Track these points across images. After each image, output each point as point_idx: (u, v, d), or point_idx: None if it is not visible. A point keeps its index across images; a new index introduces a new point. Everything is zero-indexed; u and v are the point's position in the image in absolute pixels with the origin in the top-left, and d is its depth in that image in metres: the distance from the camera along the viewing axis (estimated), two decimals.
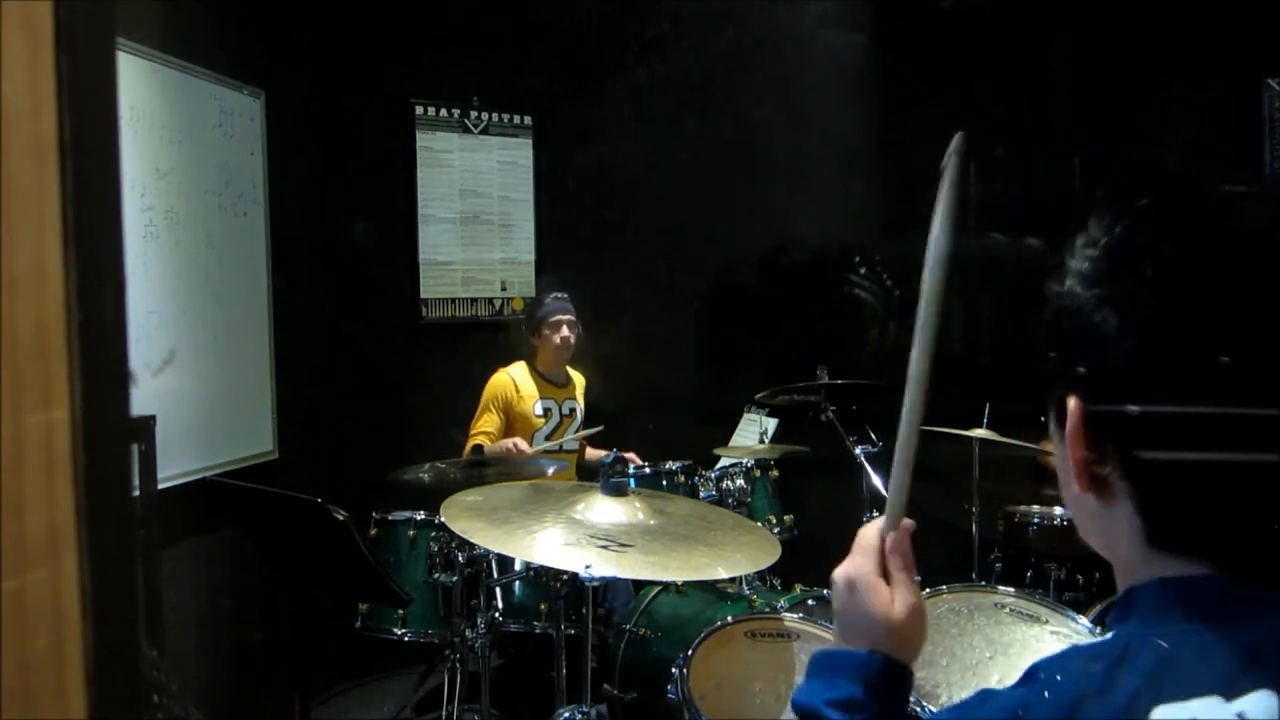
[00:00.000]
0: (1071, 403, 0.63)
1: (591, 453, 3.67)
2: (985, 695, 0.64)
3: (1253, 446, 0.55)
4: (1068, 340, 0.62)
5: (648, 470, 3.16)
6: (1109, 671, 0.57)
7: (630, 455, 3.47)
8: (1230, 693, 0.53)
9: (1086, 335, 0.60)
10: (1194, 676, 0.54)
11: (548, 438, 3.46)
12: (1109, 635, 0.60)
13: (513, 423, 3.39)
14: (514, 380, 3.42)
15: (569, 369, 3.61)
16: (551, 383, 3.50)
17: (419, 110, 3.93)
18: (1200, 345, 0.56)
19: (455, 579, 2.69)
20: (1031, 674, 0.62)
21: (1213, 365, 0.55)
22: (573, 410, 3.54)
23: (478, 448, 2.98)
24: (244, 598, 3.16)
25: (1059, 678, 0.60)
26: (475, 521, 2.09)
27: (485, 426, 3.34)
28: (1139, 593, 0.61)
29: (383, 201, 3.93)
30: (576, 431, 3.55)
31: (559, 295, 3.51)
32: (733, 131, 4.25)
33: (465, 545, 2.63)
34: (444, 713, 2.80)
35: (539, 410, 3.43)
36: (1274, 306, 0.55)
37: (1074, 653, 0.61)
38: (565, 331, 3.44)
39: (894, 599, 0.81)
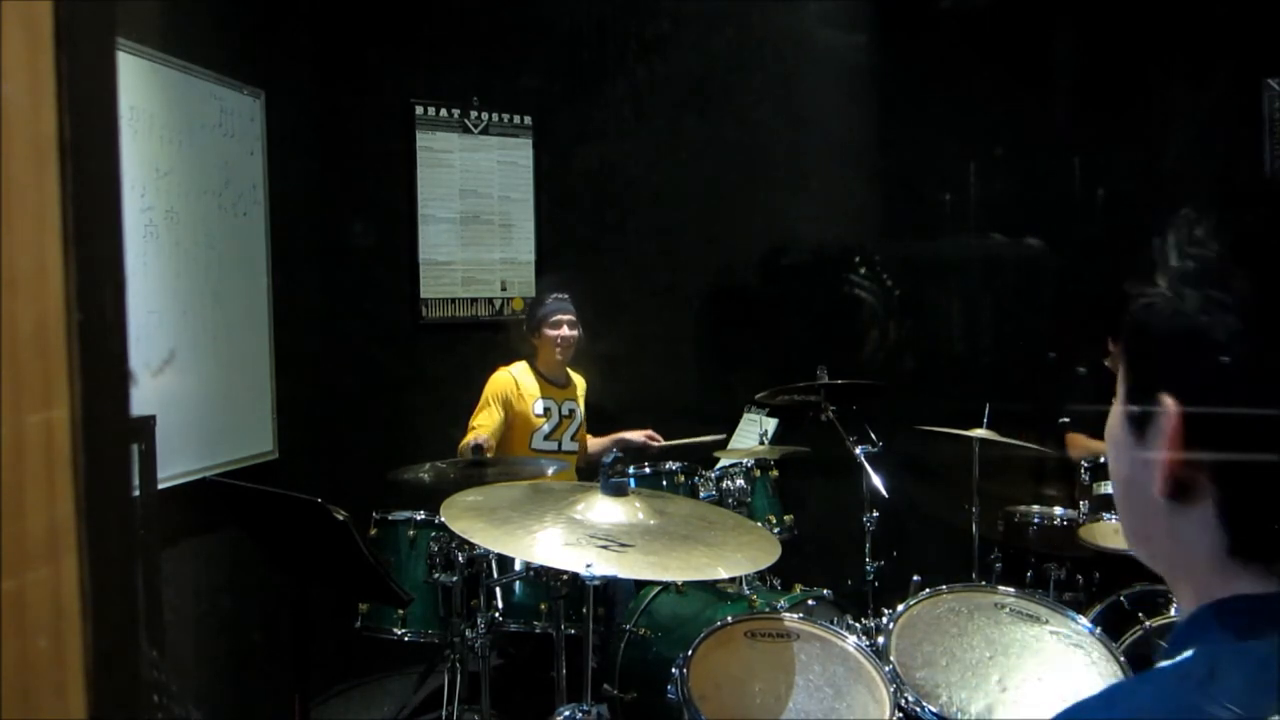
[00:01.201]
0: (1169, 404, 0.61)
1: (593, 442, 3.67)
2: None
3: None
4: (1165, 340, 0.61)
5: (648, 470, 3.17)
6: (1202, 690, 0.55)
7: (646, 435, 3.49)
8: None
9: (1190, 336, 0.59)
10: None
11: (547, 438, 3.46)
12: (1189, 653, 0.58)
13: (513, 421, 3.38)
14: (515, 379, 3.42)
15: (569, 371, 3.61)
16: (552, 383, 3.50)
17: (419, 110, 3.93)
18: None
19: (455, 579, 2.69)
20: (1109, 700, 0.61)
21: None
22: (572, 411, 3.54)
23: (477, 447, 2.97)
24: (244, 598, 3.16)
25: (1143, 697, 0.58)
26: (475, 521, 2.09)
27: (484, 421, 3.34)
28: (1218, 608, 0.60)
29: (383, 201, 3.93)
30: (575, 434, 3.55)
31: (559, 295, 3.50)
32: (733, 131, 4.26)
33: (465, 545, 2.63)
34: (444, 713, 2.80)
35: (539, 410, 3.43)
36: None
37: (1156, 675, 0.59)
38: (565, 331, 3.44)
39: None
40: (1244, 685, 0.54)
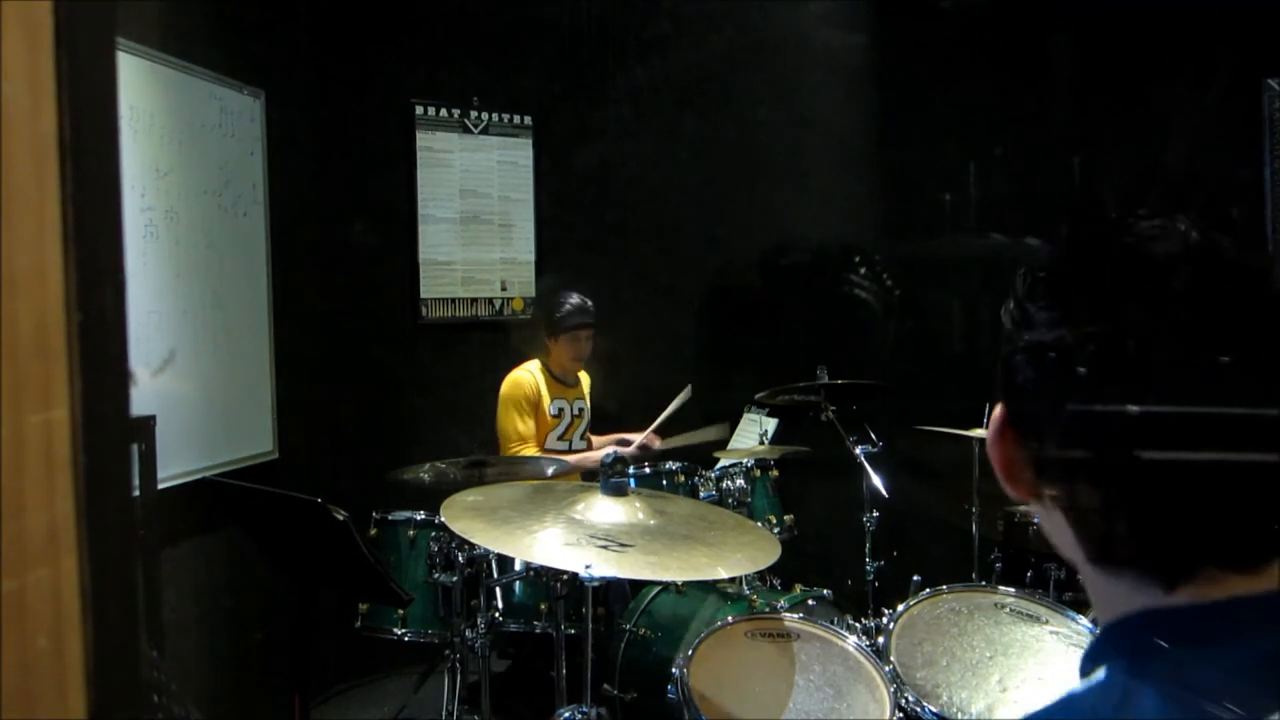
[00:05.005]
0: (998, 408, 0.65)
1: (596, 441, 3.66)
2: None
3: (1155, 455, 0.55)
4: (1003, 345, 0.65)
5: (648, 470, 3.16)
6: (1118, 714, 0.55)
7: (640, 437, 3.47)
8: (1253, 712, 0.52)
9: (1007, 342, 0.64)
10: (1210, 701, 0.53)
11: (560, 438, 3.46)
12: (1101, 674, 0.59)
13: (535, 423, 3.39)
14: (535, 379, 3.40)
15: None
16: (563, 383, 3.50)
17: (419, 110, 3.93)
18: (1095, 355, 0.58)
19: (455, 579, 2.69)
20: None
21: (1107, 373, 0.57)
22: (582, 410, 3.54)
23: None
24: (244, 598, 3.16)
25: None
26: (475, 521, 2.09)
27: (527, 431, 3.32)
28: (1125, 624, 0.60)
29: (383, 201, 3.93)
30: (584, 433, 3.55)
31: (585, 304, 3.43)
32: (733, 131, 4.25)
33: (465, 545, 2.63)
34: (444, 713, 2.79)
35: (554, 411, 3.43)
36: (1165, 328, 0.56)
37: (1071, 701, 0.59)
38: (584, 344, 3.43)
39: None
40: (1158, 708, 0.54)
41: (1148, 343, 0.56)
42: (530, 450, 3.31)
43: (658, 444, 3.49)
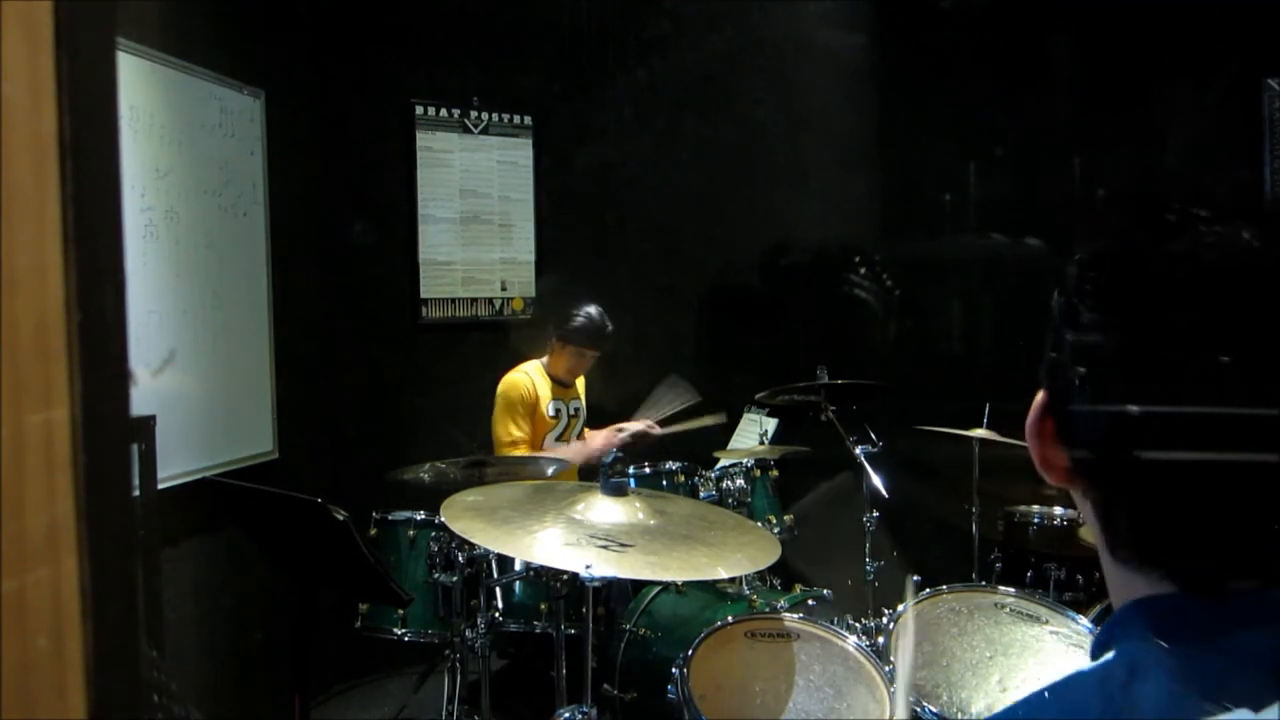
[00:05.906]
0: (1039, 396, 0.65)
1: (589, 434, 3.64)
2: None
3: (1197, 453, 0.56)
4: (1048, 338, 0.65)
5: (648, 470, 3.16)
6: (1124, 693, 0.56)
7: (644, 424, 3.45)
8: (1256, 705, 0.53)
9: (1054, 335, 0.64)
10: (1217, 690, 0.54)
11: (558, 438, 3.45)
12: (1110, 655, 0.60)
13: (532, 424, 3.38)
14: (533, 381, 3.39)
15: None
16: (560, 384, 3.49)
17: (419, 110, 3.93)
18: (1137, 351, 0.58)
19: (455, 579, 2.69)
20: (1036, 705, 0.62)
21: (1147, 371, 0.57)
22: (578, 411, 3.54)
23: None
24: (244, 598, 3.16)
25: (1068, 700, 0.59)
26: (475, 521, 2.09)
27: (520, 434, 3.32)
28: (1137, 608, 0.61)
29: (383, 201, 3.93)
30: (580, 432, 3.54)
31: (604, 328, 3.37)
32: (733, 131, 4.26)
33: (465, 545, 2.63)
34: (444, 713, 2.79)
35: (551, 412, 3.42)
36: (1208, 323, 0.57)
37: (1079, 679, 0.60)
38: (586, 364, 3.41)
39: None
40: (1163, 689, 0.55)
41: (1192, 347, 0.56)
42: (517, 451, 3.30)
43: (657, 431, 3.46)
